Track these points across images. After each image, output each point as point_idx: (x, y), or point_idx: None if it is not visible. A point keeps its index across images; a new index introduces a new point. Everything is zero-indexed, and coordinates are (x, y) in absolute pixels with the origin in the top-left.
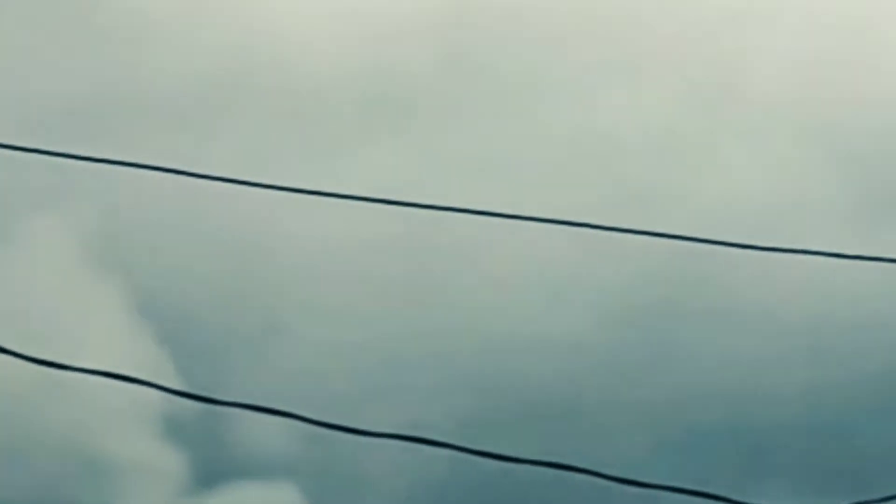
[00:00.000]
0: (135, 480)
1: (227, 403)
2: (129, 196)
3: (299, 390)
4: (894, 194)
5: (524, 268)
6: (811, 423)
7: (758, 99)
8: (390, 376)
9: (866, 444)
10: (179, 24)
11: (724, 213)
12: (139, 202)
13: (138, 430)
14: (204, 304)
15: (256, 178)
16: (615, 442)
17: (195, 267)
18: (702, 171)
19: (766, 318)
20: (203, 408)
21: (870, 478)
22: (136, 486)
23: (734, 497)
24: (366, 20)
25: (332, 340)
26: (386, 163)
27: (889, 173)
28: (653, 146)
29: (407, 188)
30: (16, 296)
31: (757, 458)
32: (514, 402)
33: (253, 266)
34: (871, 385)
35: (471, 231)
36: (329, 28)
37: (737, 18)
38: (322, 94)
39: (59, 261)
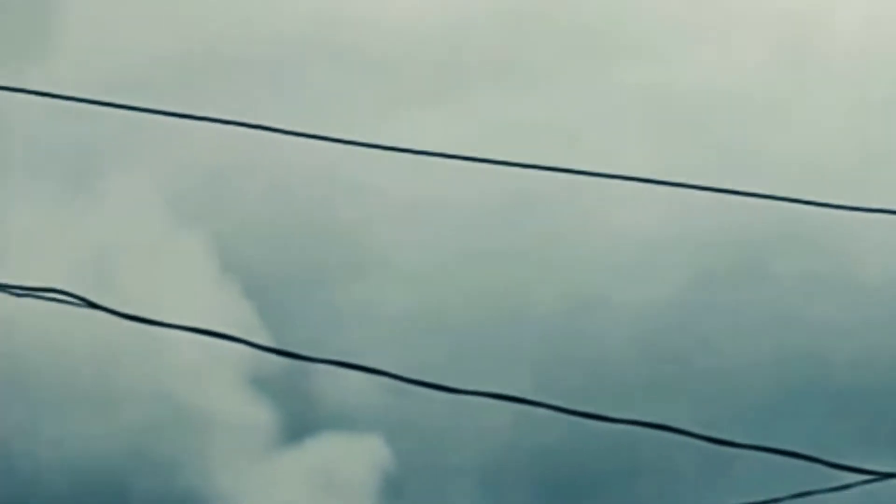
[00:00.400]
0: (223, 434)
1: (319, 360)
2: (212, 152)
3: (384, 346)
4: None
5: (611, 229)
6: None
7: (845, 56)
8: (477, 337)
9: None
10: None
11: (810, 172)
12: (222, 158)
13: (226, 385)
14: (287, 260)
15: (338, 133)
16: (705, 404)
17: (279, 222)
18: (787, 129)
19: (851, 279)
20: (289, 363)
21: None
22: (224, 440)
23: (824, 458)
24: None
25: (416, 297)
26: (463, 122)
27: None
28: (738, 105)
29: (487, 147)
30: (103, 252)
31: (844, 421)
32: (603, 364)
33: (338, 222)
34: None
35: (555, 191)
36: None
37: None
38: (399, 52)
39: (145, 217)
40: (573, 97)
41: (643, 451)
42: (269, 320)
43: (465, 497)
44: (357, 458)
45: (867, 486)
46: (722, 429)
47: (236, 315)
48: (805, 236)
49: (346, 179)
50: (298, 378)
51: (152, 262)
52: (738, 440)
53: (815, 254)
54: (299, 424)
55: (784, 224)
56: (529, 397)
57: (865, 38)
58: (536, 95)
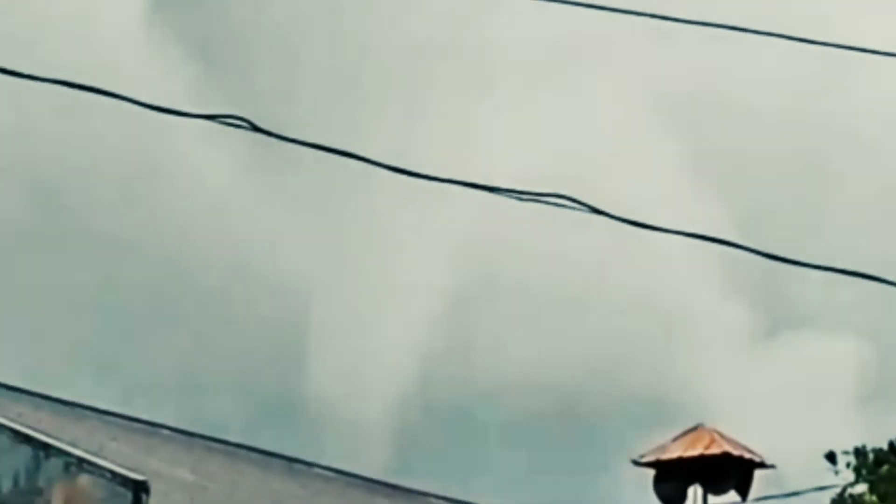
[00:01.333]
0: (702, 332)
1: (801, 263)
2: (690, 54)
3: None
4: None
5: None
6: None
7: None
8: None
9: None
10: None
11: None
12: (708, 62)
13: (707, 286)
14: (764, 162)
15: None
16: None
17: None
18: None
19: None
20: (764, 263)
21: None
22: (704, 338)
23: None
24: None
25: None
26: None
27: None
28: None
29: None
30: (588, 156)
31: None
32: None
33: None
34: None
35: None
36: None
37: None
38: None
39: (627, 118)
40: None
41: None
42: (740, 223)
43: None
44: (834, 357)
45: None
46: None
47: (712, 217)
48: None
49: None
50: (773, 278)
51: (635, 164)
52: None
53: None
54: (774, 322)
55: None
56: None
57: None
58: None
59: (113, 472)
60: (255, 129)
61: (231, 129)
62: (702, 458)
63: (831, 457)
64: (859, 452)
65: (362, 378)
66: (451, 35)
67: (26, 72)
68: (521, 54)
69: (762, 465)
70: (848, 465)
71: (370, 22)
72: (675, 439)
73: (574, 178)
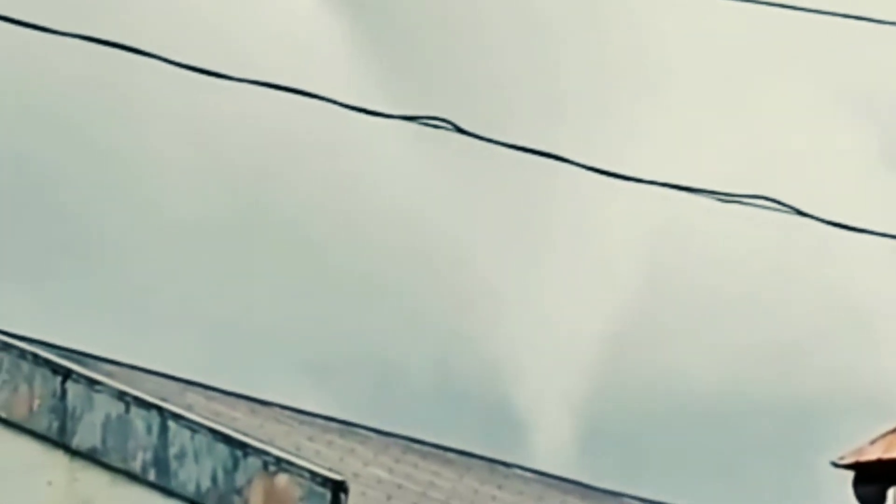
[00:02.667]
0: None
1: None
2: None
3: None
4: None
5: None
6: None
7: None
8: None
9: None
10: None
11: None
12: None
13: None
14: None
15: None
16: None
17: None
18: None
19: None
20: None
21: None
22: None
23: None
24: None
25: None
26: None
27: None
28: None
29: None
30: (781, 155)
31: None
32: None
33: None
34: None
35: None
36: None
37: None
38: None
39: (811, 116)
40: None
41: None
42: None
43: None
44: None
45: None
46: None
47: None
48: None
49: None
50: None
51: (825, 163)
52: None
53: None
54: None
55: None
56: None
57: None
58: None
59: (312, 472)
60: (459, 130)
61: (431, 130)
62: None
63: None
64: None
65: (551, 375)
66: (638, 31)
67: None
68: (707, 53)
69: None
70: None
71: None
72: (874, 441)
73: (770, 180)
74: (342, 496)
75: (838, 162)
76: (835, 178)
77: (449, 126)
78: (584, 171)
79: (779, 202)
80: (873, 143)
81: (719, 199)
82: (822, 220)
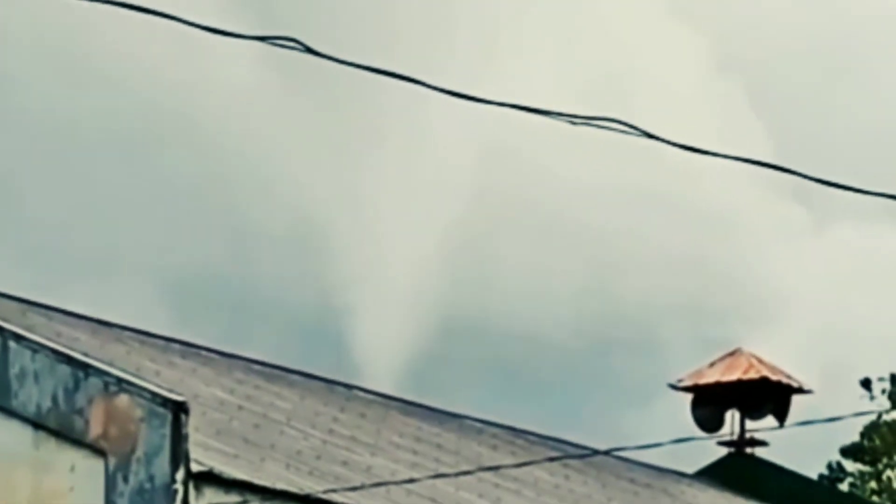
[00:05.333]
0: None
1: (827, 183)
2: None
3: None
4: None
5: None
6: None
7: None
8: None
9: None
10: None
11: None
12: None
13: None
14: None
15: None
16: None
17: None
18: None
19: None
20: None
21: None
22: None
23: None
24: None
25: None
26: None
27: None
28: None
29: None
30: (621, 78)
31: None
32: None
33: None
34: None
35: None
36: None
37: None
38: None
39: (654, 37)
40: None
41: None
42: (782, 146)
43: None
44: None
45: None
46: None
47: (758, 143)
48: None
49: None
50: None
51: (666, 78)
52: None
53: None
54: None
55: None
56: None
57: None
58: None
59: (153, 393)
60: (309, 51)
61: (281, 50)
62: (739, 383)
63: (866, 383)
64: (895, 379)
65: (381, 287)
66: None
67: None
68: None
69: (800, 390)
70: (883, 391)
71: None
72: (713, 364)
73: (618, 99)
74: (183, 417)
75: (678, 75)
76: (675, 92)
77: (299, 46)
78: (430, 90)
79: (627, 124)
80: (707, 52)
81: (571, 122)
82: (671, 143)
